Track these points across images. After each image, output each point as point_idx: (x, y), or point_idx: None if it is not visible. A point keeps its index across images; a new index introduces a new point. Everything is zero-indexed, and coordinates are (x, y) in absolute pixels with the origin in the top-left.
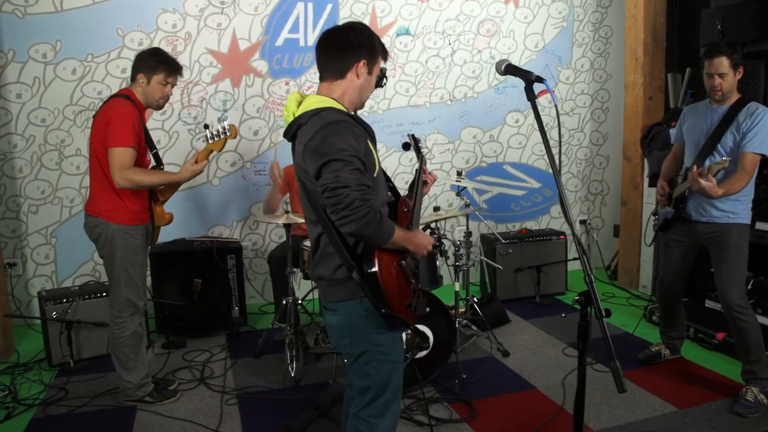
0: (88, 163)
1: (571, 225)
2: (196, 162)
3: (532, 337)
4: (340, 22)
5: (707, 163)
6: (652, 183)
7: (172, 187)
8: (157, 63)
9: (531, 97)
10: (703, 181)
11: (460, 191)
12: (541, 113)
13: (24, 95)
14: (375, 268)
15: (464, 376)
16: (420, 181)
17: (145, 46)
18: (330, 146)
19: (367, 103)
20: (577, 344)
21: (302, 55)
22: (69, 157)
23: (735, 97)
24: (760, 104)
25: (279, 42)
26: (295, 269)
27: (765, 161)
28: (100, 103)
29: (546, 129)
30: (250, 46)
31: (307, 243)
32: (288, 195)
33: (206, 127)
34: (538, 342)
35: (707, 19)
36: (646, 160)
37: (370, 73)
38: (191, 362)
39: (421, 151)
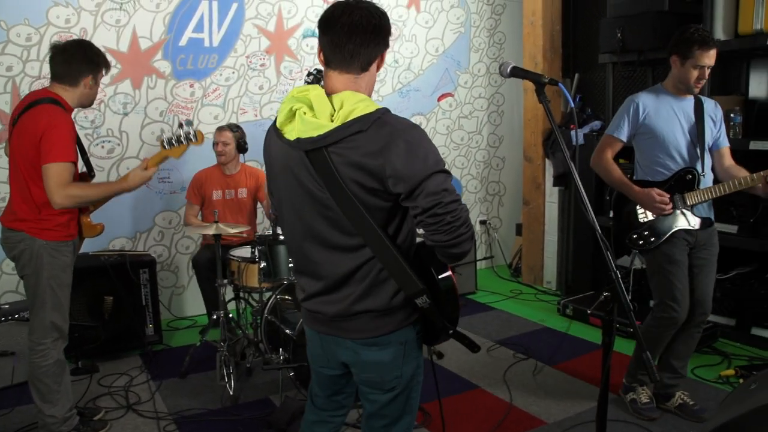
0: None
1: (593, 222)
2: (146, 168)
3: None
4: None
5: (707, 160)
6: (557, 183)
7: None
8: (100, 60)
9: (543, 99)
10: None
11: None
12: (441, 117)
13: None
14: (451, 281)
15: None
16: None
17: (34, 41)
18: (424, 158)
19: (273, 108)
20: (602, 339)
21: (207, 55)
22: None
23: None
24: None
25: (183, 42)
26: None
27: None
28: None
29: (447, 132)
30: (151, 46)
31: (235, 253)
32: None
33: (162, 131)
34: None
35: (606, 27)
36: (548, 161)
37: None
38: (111, 387)
39: None
